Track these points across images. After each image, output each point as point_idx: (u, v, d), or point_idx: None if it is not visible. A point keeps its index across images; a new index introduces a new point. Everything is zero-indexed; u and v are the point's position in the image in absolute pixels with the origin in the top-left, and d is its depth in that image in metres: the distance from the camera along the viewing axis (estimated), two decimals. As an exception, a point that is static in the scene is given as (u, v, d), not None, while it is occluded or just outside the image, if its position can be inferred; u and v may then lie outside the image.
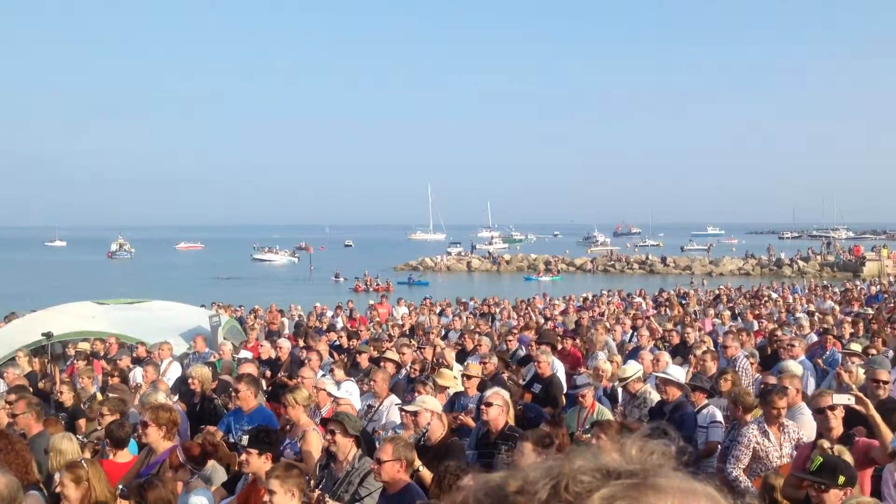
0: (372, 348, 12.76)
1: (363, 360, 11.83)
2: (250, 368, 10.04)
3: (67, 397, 9.42)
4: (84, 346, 14.76)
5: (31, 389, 10.00)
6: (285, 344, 13.27)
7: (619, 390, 9.45)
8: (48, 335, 12.40)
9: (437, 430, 6.93)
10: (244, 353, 13.19)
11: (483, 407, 7.18)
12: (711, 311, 20.92)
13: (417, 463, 5.94)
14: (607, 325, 16.16)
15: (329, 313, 24.55)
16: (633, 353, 11.75)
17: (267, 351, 13.08)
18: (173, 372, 11.69)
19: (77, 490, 5.10)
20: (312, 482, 5.69)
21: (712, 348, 11.26)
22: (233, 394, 8.07)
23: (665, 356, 10.06)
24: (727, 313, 19.48)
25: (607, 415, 8.20)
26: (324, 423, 6.68)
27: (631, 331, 15.91)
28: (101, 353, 14.34)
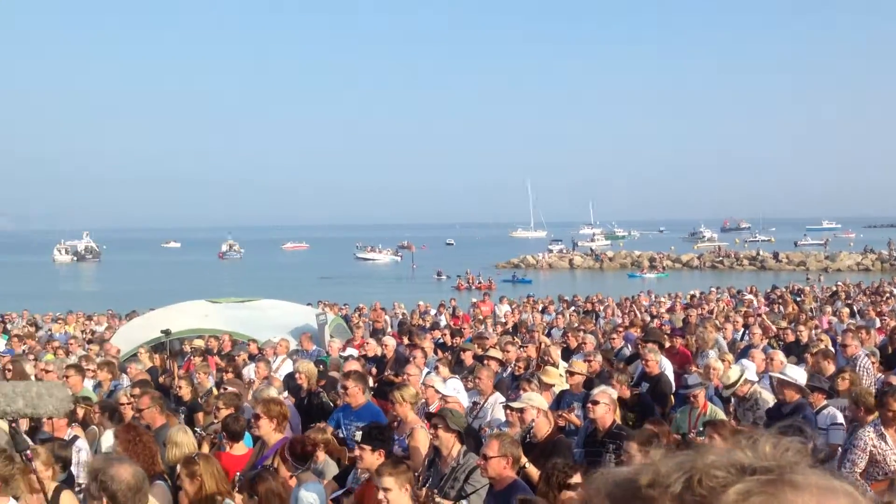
0: (476, 346, 12.77)
1: (467, 358, 11.86)
2: (356, 365, 10.21)
3: (186, 392, 9.82)
4: (199, 343, 15.36)
5: (153, 384, 10.46)
6: (391, 341, 13.45)
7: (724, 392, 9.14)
8: (167, 332, 12.94)
9: (543, 428, 6.88)
10: (350, 351, 13.43)
11: (590, 405, 7.09)
12: (829, 309, 20.02)
13: (524, 460, 5.91)
14: (717, 322, 15.69)
15: (432, 311, 24.74)
16: (745, 352, 11.36)
17: (373, 348, 13.29)
18: (286, 368, 12.02)
19: (191, 485, 5.31)
20: (420, 479, 5.74)
21: (830, 347, 10.76)
22: (341, 390, 8.22)
23: (779, 355, 9.69)
24: (846, 310, 18.57)
25: (720, 415, 7.94)
26: (428, 418, 6.73)
27: (742, 329, 15.39)
28: (215, 350, 14.88)
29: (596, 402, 6.97)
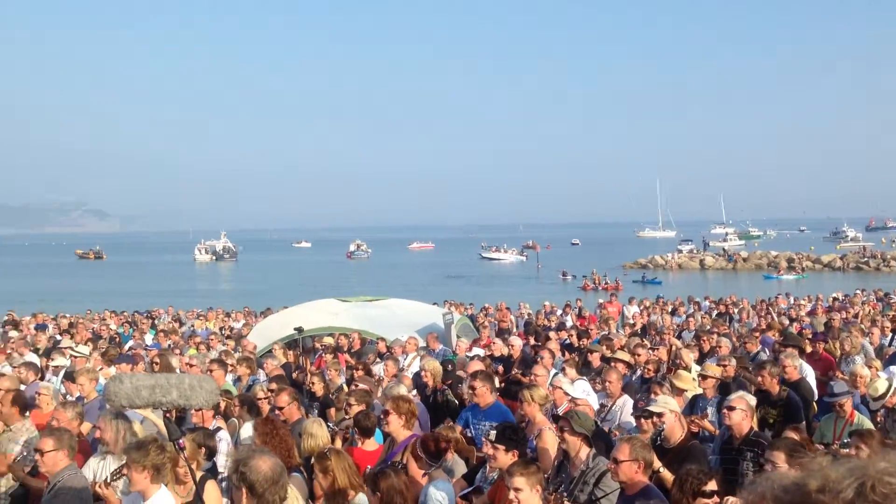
0: (604, 347, 12.56)
1: (595, 360, 11.69)
2: (482, 365, 10.23)
3: (318, 388, 10.11)
4: (329, 341, 15.75)
5: (287, 380, 10.83)
6: (517, 342, 13.42)
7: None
8: (299, 330, 13.32)
9: (677, 433, 6.69)
10: (477, 350, 13.47)
11: (725, 411, 6.83)
12: None
13: (657, 464, 5.76)
14: (863, 327, 14.81)
15: (558, 311, 24.53)
16: (893, 359, 10.68)
17: (499, 348, 13.29)
18: (416, 367, 12.20)
19: (325, 479, 5.46)
20: (549, 482, 5.68)
21: None
22: (469, 390, 8.26)
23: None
24: None
25: (868, 425, 7.48)
26: (556, 420, 6.67)
27: (890, 334, 14.47)
28: (345, 348, 15.24)
29: (732, 408, 6.71)
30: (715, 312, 23.08)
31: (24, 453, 6.99)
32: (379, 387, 10.16)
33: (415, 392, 9.95)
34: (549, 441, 6.87)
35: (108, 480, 5.93)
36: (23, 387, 9.64)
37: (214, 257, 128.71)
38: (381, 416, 7.02)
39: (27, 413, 7.84)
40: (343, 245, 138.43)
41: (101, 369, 11.37)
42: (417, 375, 10.80)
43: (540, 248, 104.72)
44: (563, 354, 13.23)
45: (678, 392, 8.70)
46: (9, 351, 16.08)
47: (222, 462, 6.74)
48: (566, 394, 8.18)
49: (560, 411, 7.86)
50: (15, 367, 11.91)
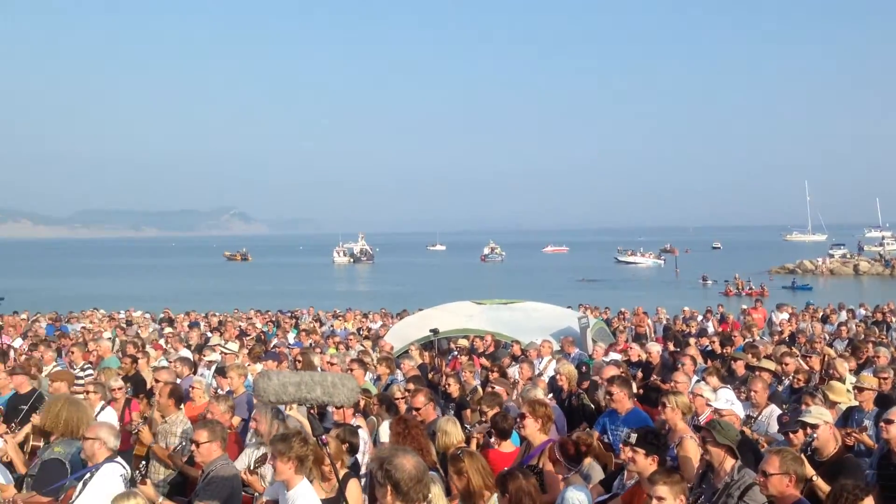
0: (749, 355, 12.03)
1: (739, 368, 11.22)
2: (618, 370, 10.02)
3: (454, 389, 10.19)
4: (464, 343, 15.87)
5: (424, 380, 10.98)
6: (655, 347, 13.08)
7: None
8: (435, 331, 13.49)
9: (830, 445, 6.33)
10: (613, 355, 13.23)
11: (883, 424, 6.39)
12: None
13: (810, 472, 5.46)
14: None
15: (699, 317, 23.73)
16: None
17: (636, 353, 12.99)
18: (551, 370, 12.11)
19: (459, 481, 5.48)
20: (691, 492, 5.49)
21: None
22: (606, 396, 8.11)
23: None
24: None
25: None
26: (697, 429, 6.44)
27: None
28: (480, 350, 15.31)
29: (891, 422, 6.27)
30: (871, 321, 21.67)
31: (182, 443, 7.42)
32: (514, 389, 10.14)
33: (550, 396, 9.86)
34: (692, 450, 6.64)
35: (252, 468, 6.21)
36: (178, 380, 10.25)
37: (352, 259, 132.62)
38: (518, 420, 6.99)
39: (182, 405, 8.32)
40: (477, 248, 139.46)
41: (248, 366, 11.90)
42: (553, 379, 10.71)
43: (678, 252, 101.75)
44: (705, 361, 12.79)
45: (831, 404, 8.23)
46: (165, 346, 17.14)
47: (363, 460, 6.90)
48: (708, 402, 7.89)
49: (701, 420, 7.60)
50: (171, 362, 12.65)
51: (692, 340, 15.30)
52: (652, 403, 8.69)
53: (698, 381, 9.70)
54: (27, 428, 8.40)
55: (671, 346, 15.01)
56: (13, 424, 8.73)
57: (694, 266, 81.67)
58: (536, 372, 11.80)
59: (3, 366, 11.91)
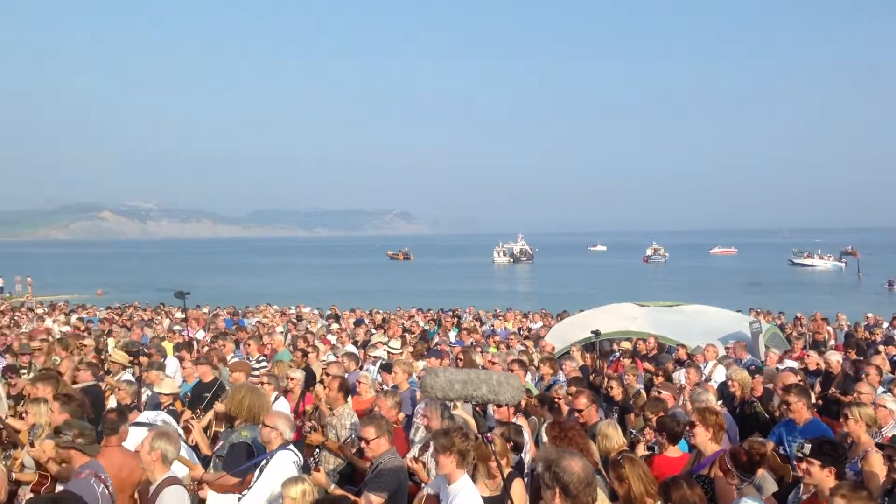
0: (944, 367, 11.05)
1: (932, 380, 10.32)
2: (796, 378, 9.47)
3: (616, 392, 9.98)
4: (626, 345, 15.52)
5: (585, 382, 10.82)
6: (835, 356, 12.24)
7: None
8: (596, 333, 13.28)
9: None
10: (789, 363, 12.53)
11: None
12: None
13: None
14: None
15: (884, 324, 22.05)
16: None
17: (814, 361, 12.24)
18: (718, 374, 11.64)
19: (620, 487, 5.35)
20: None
21: None
22: (782, 405, 7.67)
23: None
24: None
25: None
26: (881, 446, 5.97)
27: None
28: (643, 353, 14.93)
29: None
30: None
31: (351, 436, 7.69)
32: (680, 395, 9.80)
33: (720, 403, 9.45)
34: (877, 465, 6.16)
35: (417, 457, 6.34)
36: (346, 375, 10.64)
37: (512, 259, 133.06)
38: (687, 429, 6.72)
39: (349, 399, 8.63)
40: (639, 249, 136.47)
41: (411, 363, 12.17)
42: (723, 385, 10.26)
43: (861, 255, 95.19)
44: (892, 372, 11.87)
45: None
46: (333, 341, 17.86)
47: (525, 459, 6.88)
48: (893, 415, 7.29)
49: (885, 433, 7.05)
50: (339, 357, 13.15)
51: (881, 348, 14.23)
52: (833, 415, 8.16)
53: (886, 391, 9.01)
54: (210, 414, 9.02)
55: (853, 355, 14.00)
56: (198, 411, 9.39)
57: (879, 269, 76.09)
58: (703, 377, 11.36)
59: (189, 356, 12.84)
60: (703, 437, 6.47)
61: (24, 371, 11.63)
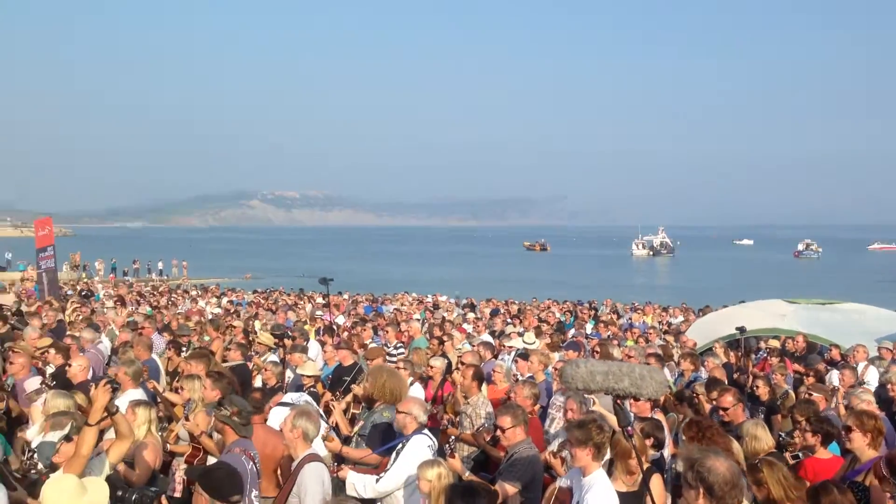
0: None
1: None
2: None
3: (763, 391, 9.55)
4: (774, 343, 14.85)
5: (728, 380, 10.42)
6: None
7: None
8: (742, 330, 12.76)
9: None
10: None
11: None
12: None
13: None
14: None
15: None
16: None
17: None
18: (871, 376, 10.96)
19: (759, 491, 5.12)
20: None
21: None
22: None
23: None
24: None
25: None
26: None
27: None
28: (791, 352, 14.24)
29: None
30: None
31: (485, 424, 7.73)
32: (833, 398, 9.26)
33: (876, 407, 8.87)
34: None
35: (556, 452, 6.29)
36: (481, 364, 10.69)
37: (651, 252, 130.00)
38: (843, 433, 6.32)
39: (483, 387, 8.66)
40: (789, 244, 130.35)
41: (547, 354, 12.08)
42: (882, 388, 9.63)
43: None
44: None
45: None
46: (469, 331, 18.01)
47: (666, 455, 6.69)
48: None
49: None
50: (475, 346, 13.23)
51: None
52: None
53: None
54: (349, 396, 9.29)
55: None
56: (338, 393, 9.70)
57: None
58: (861, 381, 10.70)
59: (330, 340, 13.29)
60: (860, 443, 6.05)
61: (185, 349, 12.36)
